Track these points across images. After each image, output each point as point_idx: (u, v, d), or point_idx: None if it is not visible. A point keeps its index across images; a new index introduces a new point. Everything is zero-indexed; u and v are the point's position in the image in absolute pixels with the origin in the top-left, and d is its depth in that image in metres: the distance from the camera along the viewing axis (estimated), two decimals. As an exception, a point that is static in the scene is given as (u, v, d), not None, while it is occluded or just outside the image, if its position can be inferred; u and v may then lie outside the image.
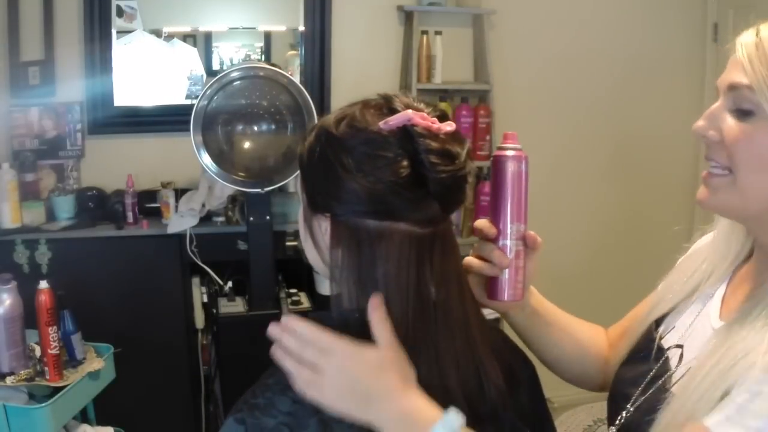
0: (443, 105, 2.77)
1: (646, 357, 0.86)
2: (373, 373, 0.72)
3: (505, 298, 0.84)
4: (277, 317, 0.77)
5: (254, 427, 0.74)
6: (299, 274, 2.43)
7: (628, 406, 0.83)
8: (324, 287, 2.31)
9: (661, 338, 0.87)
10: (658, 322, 0.90)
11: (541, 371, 0.95)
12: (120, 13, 2.54)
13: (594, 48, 3.05)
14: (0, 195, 2.23)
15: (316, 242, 0.82)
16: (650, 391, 0.81)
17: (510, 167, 0.83)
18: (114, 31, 2.53)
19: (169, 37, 2.65)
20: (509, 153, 0.83)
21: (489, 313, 2.88)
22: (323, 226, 0.79)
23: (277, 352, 0.75)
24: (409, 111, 0.74)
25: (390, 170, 0.73)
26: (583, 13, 3.03)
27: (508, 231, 0.83)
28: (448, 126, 0.76)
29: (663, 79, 3.17)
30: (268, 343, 0.76)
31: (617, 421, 0.84)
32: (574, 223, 3.20)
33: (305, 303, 2.34)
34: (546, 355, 0.97)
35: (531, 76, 3.01)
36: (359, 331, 0.79)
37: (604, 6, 3.04)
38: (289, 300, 2.31)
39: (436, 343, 0.77)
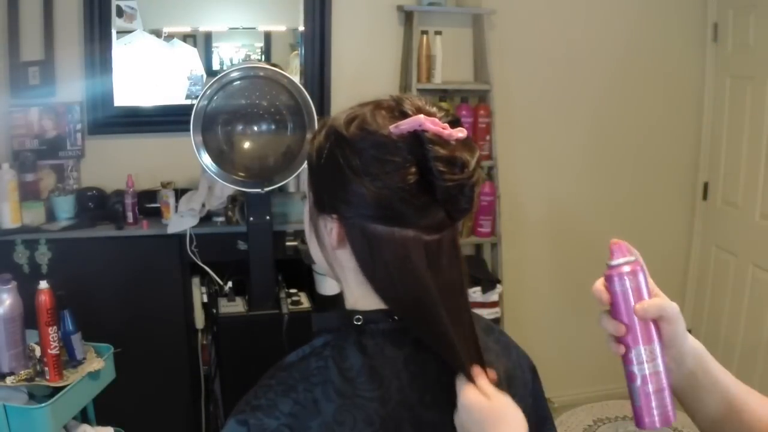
0: (445, 105, 2.77)
1: None
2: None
3: (646, 426, 0.76)
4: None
5: (256, 428, 0.73)
6: (299, 274, 2.43)
7: None
8: (324, 287, 2.32)
9: None
10: None
11: (541, 371, 0.95)
12: (120, 13, 2.54)
13: (594, 48, 3.05)
14: (0, 195, 2.24)
15: (320, 242, 0.82)
16: None
17: (619, 286, 0.75)
18: (114, 31, 2.53)
19: (169, 37, 2.65)
20: (624, 269, 0.75)
21: (489, 313, 2.87)
22: (329, 226, 0.78)
23: None
24: (420, 116, 0.73)
25: (398, 176, 0.72)
26: (583, 13, 3.03)
27: (632, 356, 0.75)
28: (460, 132, 0.74)
29: (663, 79, 3.17)
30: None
31: None
32: (574, 222, 3.20)
33: (305, 303, 2.34)
34: (702, 424, 0.83)
35: (531, 76, 3.02)
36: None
37: (604, 6, 3.04)
38: (289, 300, 2.31)
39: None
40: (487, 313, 2.74)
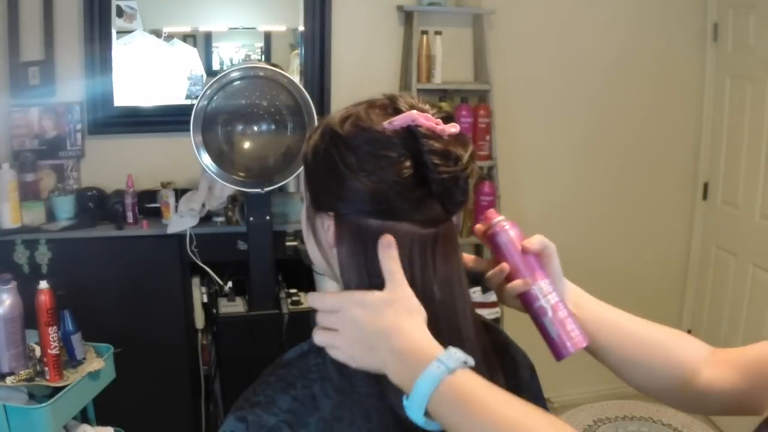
0: (443, 105, 2.77)
1: None
2: (374, 315, 0.72)
3: (565, 354, 0.82)
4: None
5: (255, 425, 0.74)
6: (299, 274, 2.43)
7: None
8: (324, 287, 2.32)
9: None
10: None
11: (541, 371, 0.95)
12: (120, 13, 2.54)
13: (594, 48, 3.06)
14: (0, 195, 2.24)
15: (318, 240, 0.82)
16: None
17: (504, 237, 0.84)
18: (114, 31, 2.54)
19: (169, 37, 2.65)
20: (504, 224, 0.85)
21: (489, 313, 2.88)
22: (326, 224, 0.79)
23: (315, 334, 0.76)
24: (414, 111, 0.75)
25: (393, 170, 0.73)
26: (583, 13, 3.03)
27: (535, 292, 0.83)
28: (452, 127, 0.76)
29: (663, 79, 3.17)
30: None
31: None
32: (574, 222, 3.20)
33: (305, 303, 2.34)
34: (606, 360, 0.89)
35: (531, 76, 3.02)
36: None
37: (603, 6, 3.04)
38: (289, 300, 2.31)
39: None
40: (487, 313, 2.74)
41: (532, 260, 0.83)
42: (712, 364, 0.86)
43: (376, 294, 0.73)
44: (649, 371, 0.87)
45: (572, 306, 0.86)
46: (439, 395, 0.66)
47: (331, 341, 0.74)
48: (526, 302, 0.84)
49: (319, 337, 0.75)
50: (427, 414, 0.68)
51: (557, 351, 0.83)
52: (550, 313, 0.82)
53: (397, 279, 0.73)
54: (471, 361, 0.69)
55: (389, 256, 0.73)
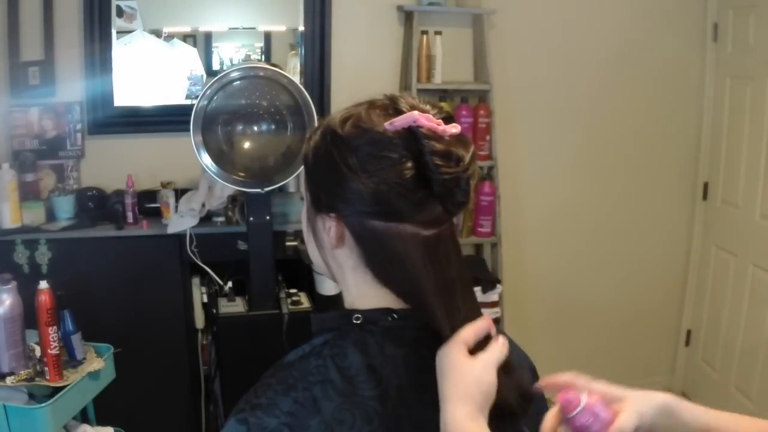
0: (443, 105, 2.77)
1: None
2: (448, 374, 0.74)
3: None
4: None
5: (256, 427, 0.74)
6: (299, 274, 2.43)
7: None
8: (324, 287, 2.32)
9: None
10: None
11: (542, 372, 0.95)
12: (120, 13, 2.54)
13: (593, 48, 3.06)
14: (0, 195, 2.24)
15: (318, 242, 0.82)
16: None
17: (599, 423, 0.74)
18: (114, 32, 2.54)
19: (169, 37, 2.65)
20: (593, 411, 0.75)
21: (489, 313, 2.88)
22: (327, 225, 0.79)
23: None
24: (415, 112, 0.74)
25: (394, 171, 0.73)
26: (583, 13, 3.03)
27: None
28: (453, 128, 0.75)
29: (663, 79, 3.17)
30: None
31: None
32: (574, 222, 3.20)
33: (305, 303, 2.34)
34: None
35: (531, 76, 3.02)
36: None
37: (603, 6, 3.04)
38: (289, 300, 2.31)
39: None
40: (487, 313, 2.72)
41: None
42: None
43: (468, 362, 0.74)
44: None
45: (682, 425, 0.77)
46: None
47: None
48: None
49: None
50: None
51: None
52: None
53: (488, 358, 0.75)
54: None
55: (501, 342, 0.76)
